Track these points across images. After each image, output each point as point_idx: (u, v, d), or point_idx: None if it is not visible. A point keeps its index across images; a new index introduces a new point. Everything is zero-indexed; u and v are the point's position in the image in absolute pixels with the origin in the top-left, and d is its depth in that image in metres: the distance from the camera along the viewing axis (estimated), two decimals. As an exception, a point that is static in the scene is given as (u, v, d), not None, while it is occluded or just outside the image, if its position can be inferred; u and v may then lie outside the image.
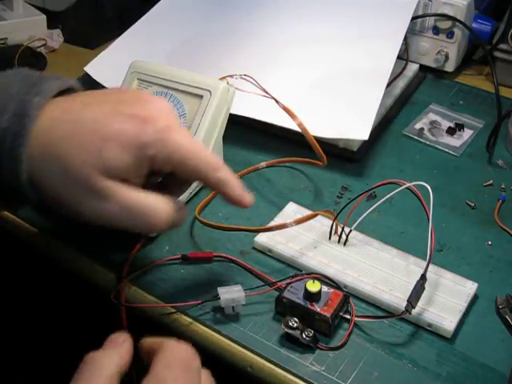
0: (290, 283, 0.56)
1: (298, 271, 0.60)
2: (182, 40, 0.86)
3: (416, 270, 0.59)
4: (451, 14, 0.87)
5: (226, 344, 0.55)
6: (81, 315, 0.72)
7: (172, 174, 0.53)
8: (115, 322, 0.56)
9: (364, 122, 0.72)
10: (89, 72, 0.82)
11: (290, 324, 0.53)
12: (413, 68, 0.89)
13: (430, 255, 0.57)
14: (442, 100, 0.86)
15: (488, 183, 0.73)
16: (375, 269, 0.60)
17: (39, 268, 0.67)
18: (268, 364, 0.53)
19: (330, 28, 0.85)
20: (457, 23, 0.87)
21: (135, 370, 0.43)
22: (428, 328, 0.56)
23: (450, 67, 0.91)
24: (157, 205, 0.51)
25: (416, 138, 0.79)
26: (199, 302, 0.56)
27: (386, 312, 0.57)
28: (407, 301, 0.54)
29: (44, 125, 0.50)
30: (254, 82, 0.65)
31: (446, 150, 0.78)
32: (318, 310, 0.54)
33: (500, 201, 0.70)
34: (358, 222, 0.61)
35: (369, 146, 0.76)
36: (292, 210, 0.66)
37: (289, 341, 0.54)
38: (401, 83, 0.86)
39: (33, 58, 0.88)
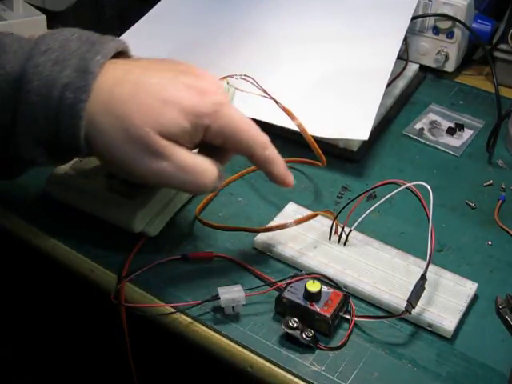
0: (290, 283, 0.56)
1: (298, 271, 0.60)
2: (182, 40, 0.85)
3: (416, 270, 0.59)
4: (451, 13, 0.86)
5: (226, 344, 0.55)
6: (81, 315, 0.72)
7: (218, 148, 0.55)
8: (115, 322, 0.56)
9: (364, 122, 0.72)
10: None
11: (290, 324, 0.53)
12: (413, 68, 0.89)
13: (430, 255, 0.57)
14: (442, 100, 0.86)
15: (488, 183, 0.73)
16: (375, 269, 0.60)
17: (39, 268, 0.67)
18: (268, 364, 0.53)
19: (329, 28, 0.84)
20: (457, 23, 0.87)
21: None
22: (428, 328, 0.56)
23: (450, 67, 0.91)
24: (208, 166, 0.54)
25: (416, 138, 0.79)
26: (199, 301, 0.56)
27: (386, 312, 0.57)
28: (407, 301, 0.54)
29: (106, 83, 0.51)
30: (253, 82, 0.65)
31: (446, 150, 0.78)
32: (318, 310, 0.54)
33: (500, 201, 0.70)
34: (358, 222, 0.61)
35: (369, 146, 0.76)
36: (292, 210, 0.66)
37: (289, 341, 0.54)
38: (401, 83, 0.86)
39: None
